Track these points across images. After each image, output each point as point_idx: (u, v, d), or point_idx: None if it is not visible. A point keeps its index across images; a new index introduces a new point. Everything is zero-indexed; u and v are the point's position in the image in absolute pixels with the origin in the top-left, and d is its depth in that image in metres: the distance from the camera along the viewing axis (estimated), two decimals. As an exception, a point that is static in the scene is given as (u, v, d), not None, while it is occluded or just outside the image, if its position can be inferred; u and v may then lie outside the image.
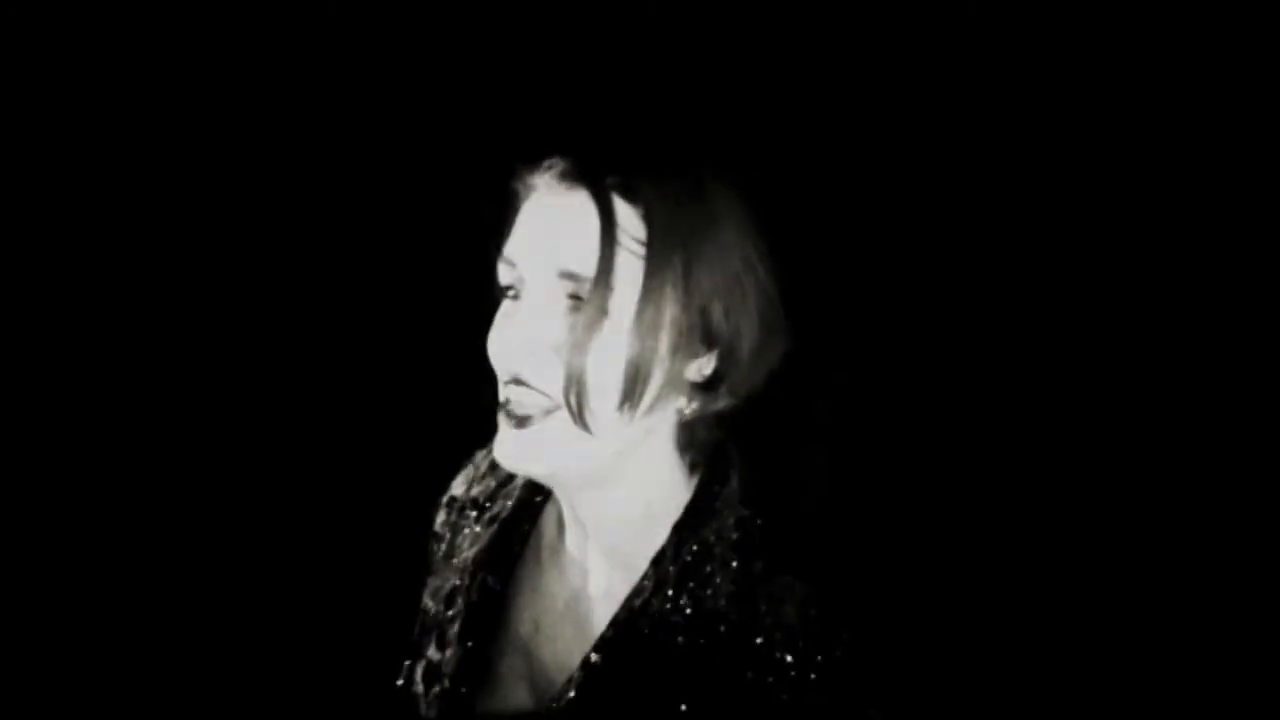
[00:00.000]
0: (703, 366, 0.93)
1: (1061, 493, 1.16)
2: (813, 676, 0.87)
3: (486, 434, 1.18)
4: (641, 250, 0.87)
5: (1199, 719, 1.07)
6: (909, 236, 1.22)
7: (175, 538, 1.63)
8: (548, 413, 0.90)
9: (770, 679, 0.87)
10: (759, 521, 0.97)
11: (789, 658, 0.88)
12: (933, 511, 1.23)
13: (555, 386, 0.88)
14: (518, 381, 0.90)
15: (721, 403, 0.94)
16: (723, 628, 0.90)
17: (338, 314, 1.59)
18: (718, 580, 0.93)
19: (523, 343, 0.89)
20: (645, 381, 0.88)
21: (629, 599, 0.95)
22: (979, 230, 1.19)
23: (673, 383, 0.90)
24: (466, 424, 1.21)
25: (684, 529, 0.96)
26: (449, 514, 1.19)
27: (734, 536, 0.95)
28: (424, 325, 1.54)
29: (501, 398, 0.93)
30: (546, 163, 0.93)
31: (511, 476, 1.14)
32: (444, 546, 1.18)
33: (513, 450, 0.92)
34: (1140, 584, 1.10)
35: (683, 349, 0.89)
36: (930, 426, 1.23)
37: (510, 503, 1.12)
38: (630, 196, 0.88)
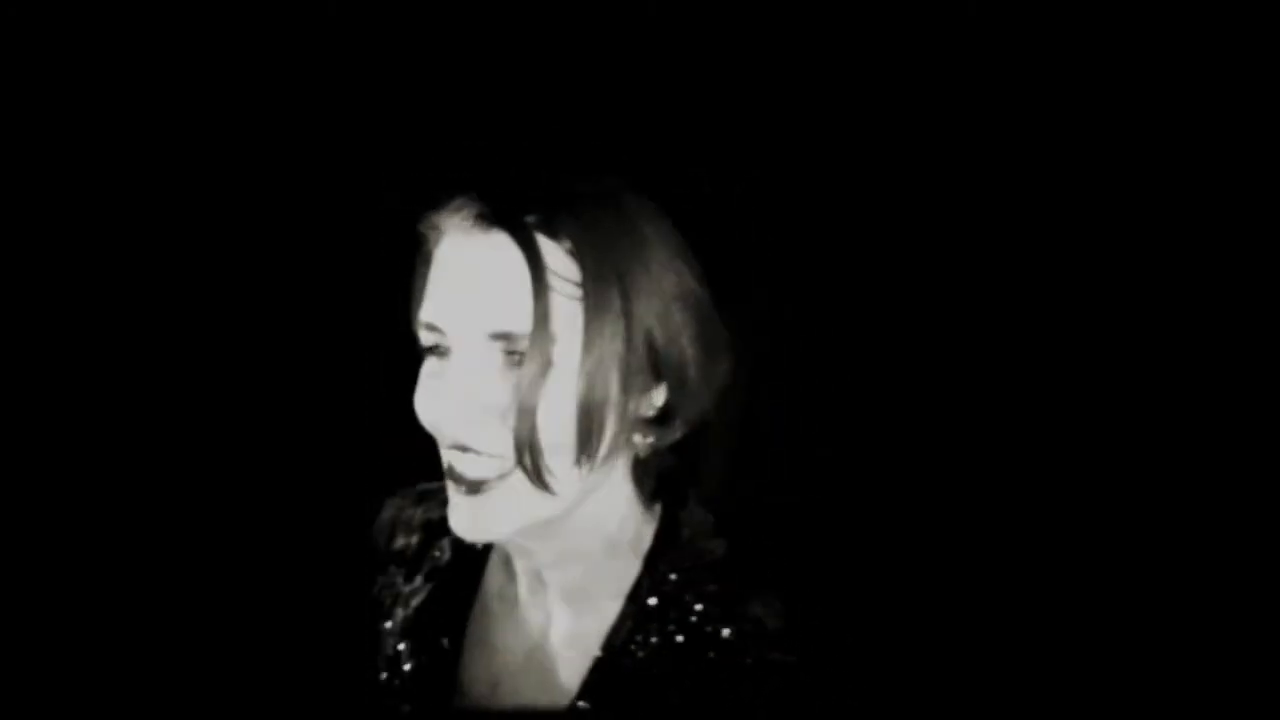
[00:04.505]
0: (654, 400, 0.88)
1: (1028, 490, 1.18)
2: (808, 684, 0.86)
3: (391, 480, 1.13)
4: (576, 291, 0.81)
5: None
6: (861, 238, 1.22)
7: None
8: (502, 476, 0.83)
9: (765, 694, 0.85)
10: (727, 541, 0.94)
11: (781, 672, 0.86)
12: (900, 515, 1.24)
13: (504, 448, 0.81)
14: (463, 448, 0.83)
15: (677, 433, 0.90)
16: (712, 653, 0.87)
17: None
18: (698, 606, 0.89)
19: (461, 408, 0.82)
20: (600, 429, 0.82)
21: (609, 637, 0.90)
22: (939, 231, 1.19)
23: (626, 424, 0.85)
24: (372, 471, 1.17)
25: (657, 559, 0.92)
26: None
27: (707, 560, 0.92)
28: (327, 371, 1.43)
29: (445, 463, 0.86)
30: (454, 203, 0.85)
31: (443, 523, 1.01)
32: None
33: (471, 522, 0.85)
34: (1122, 581, 1.13)
35: (634, 387, 0.84)
36: (893, 428, 1.24)
37: (448, 553, 1.03)
38: (554, 234, 0.81)
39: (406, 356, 0.90)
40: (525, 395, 0.79)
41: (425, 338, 0.85)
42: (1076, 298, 1.12)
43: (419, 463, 1.02)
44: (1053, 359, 1.14)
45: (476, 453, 0.82)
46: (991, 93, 1.13)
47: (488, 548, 1.03)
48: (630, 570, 0.92)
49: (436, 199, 0.87)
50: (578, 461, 0.82)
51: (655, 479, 0.95)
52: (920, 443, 1.22)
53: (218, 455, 1.46)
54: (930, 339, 1.19)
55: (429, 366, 0.86)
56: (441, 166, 0.89)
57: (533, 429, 0.79)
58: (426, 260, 0.86)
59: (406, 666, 1.00)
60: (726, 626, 0.88)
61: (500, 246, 0.80)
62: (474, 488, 0.83)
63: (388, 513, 1.12)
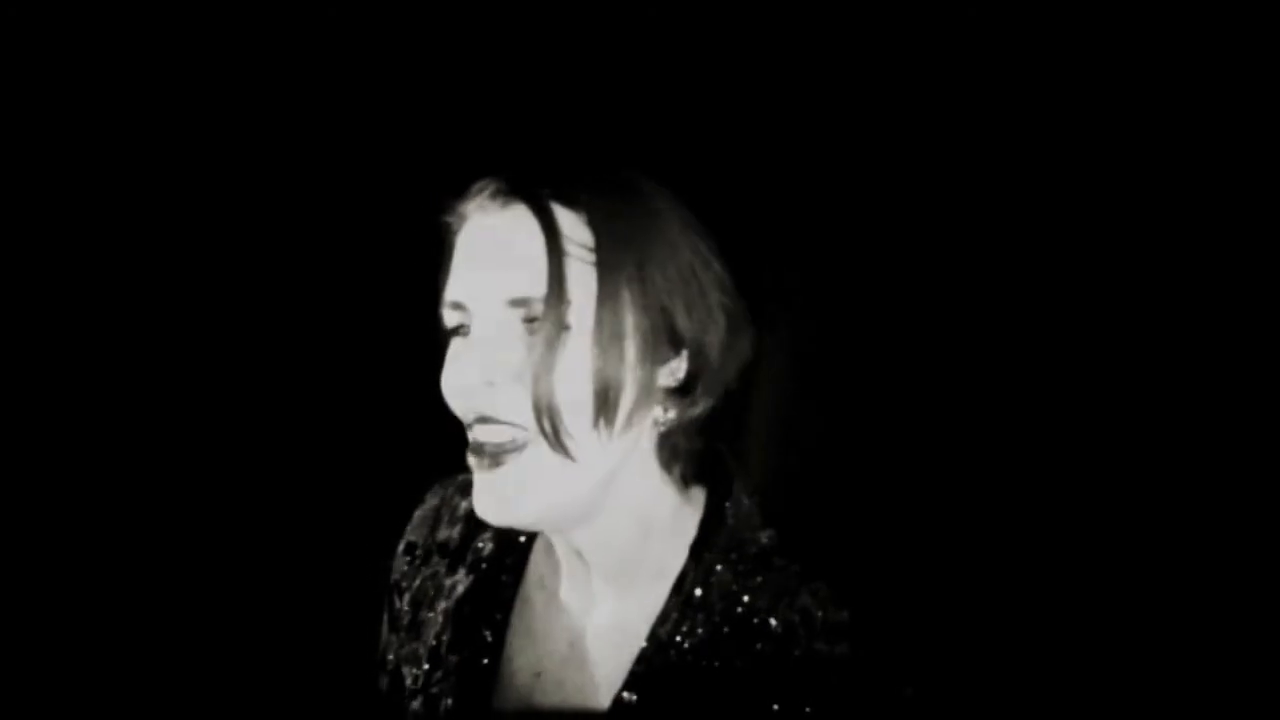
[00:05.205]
0: (675, 371, 0.89)
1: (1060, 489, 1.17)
2: (857, 676, 0.84)
3: (432, 473, 1.13)
4: (590, 256, 0.83)
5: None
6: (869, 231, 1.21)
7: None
8: (521, 448, 0.84)
9: (813, 686, 0.84)
10: (774, 531, 0.93)
11: (830, 663, 0.85)
12: (938, 506, 1.22)
13: (524, 415, 0.82)
14: (484, 419, 0.84)
15: (699, 406, 0.90)
16: (760, 644, 0.87)
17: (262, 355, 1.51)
18: (746, 597, 0.89)
19: (481, 376, 0.83)
20: (617, 393, 0.83)
21: (655, 628, 0.89)
22: (949, 224, 1.18)
23: (646, 392, 0.86)
24: (412, 460, 1.17)
25: (702, 548, 0.91)
26: (411, 562, 1.10)
27: (753, 550, 0.92)
28: (363, 366, 1.46)
29: (471, 441, 0.87)
30: (476, 186, 0.87)
31: None
32: (408, 599, 1.08)
33: (493, 502, 0.85)
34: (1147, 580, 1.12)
35: (650, 354, 0.85)
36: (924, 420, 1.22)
37: (491, 543, 1.03)
38: (570, 203, 0.84)
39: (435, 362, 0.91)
40: (541, 357, 0.80)
41: (449, 318, 0.87)
42: (1069, 295, 1.14)
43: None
44: (1088, 340, 1.14)
45: (498, 422, 0.83)
46: (995, 89, 1.15)
47: (531, 537, 1.03)
48: (671, 555, 0.92)
49: (460, 189, 0.89)
50: (596, 425, 0.83)
51: (684, 461, 0.94)
52: (970, 433, 1.21)
53: (252, 459, 1.49)
54: (971, 331, 1.19)
55: (452, 348, 0.87)
56: (465, 165, 0.90)
57: (550, 390, 0.80)
58: (451, 248, 0.88)
59: (451, 658, 1.00)
60: (774, 617, 0.88)
61: (518, 217, 0.83)
62: (495, 460, 0.84)
63: (432, 502, 1.12)
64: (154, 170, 1.45)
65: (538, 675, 0.96)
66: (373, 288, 1.40)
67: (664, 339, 0.86)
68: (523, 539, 1.03)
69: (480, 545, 1.05)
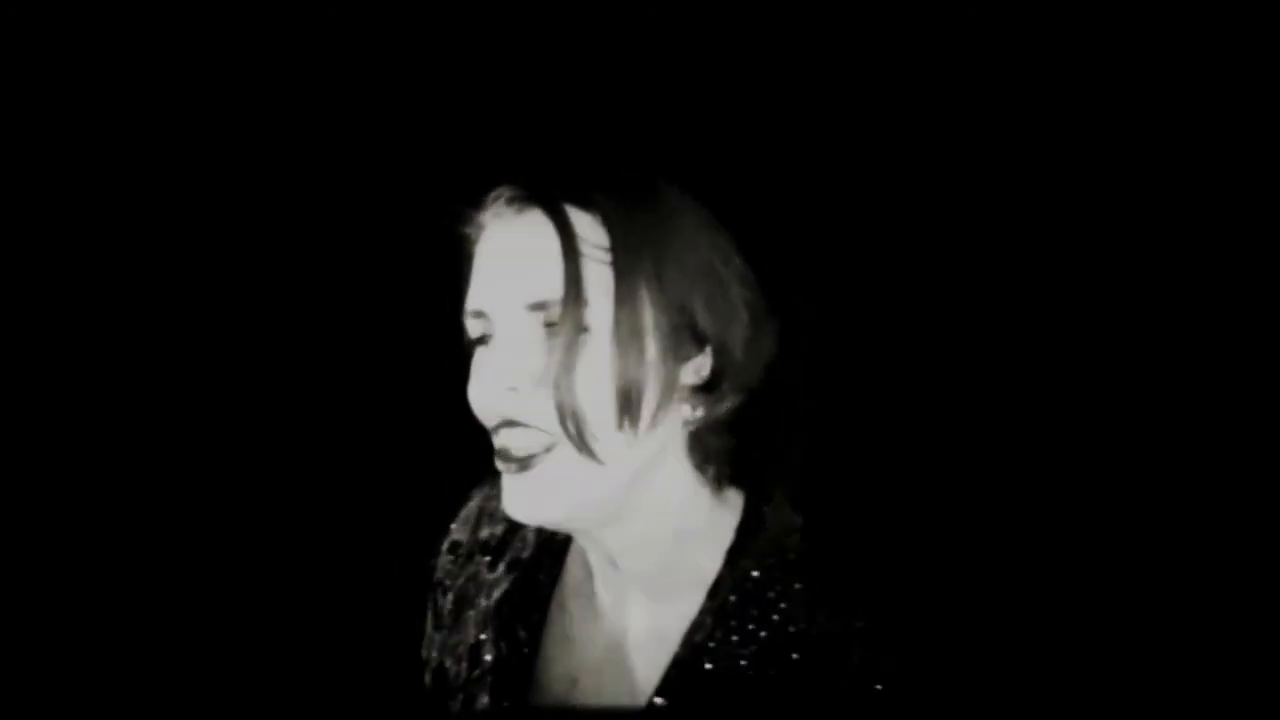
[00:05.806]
0: (699, 368, 0.88)
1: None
2: (893, 686, 0.83)
3: (480, 472, 1.14)
4: (607, 257, 0.83)
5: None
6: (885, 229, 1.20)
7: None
8: (549, 449, 0.84)
9: (848, 696, 0.83)
10: (814, 539, 0.92)
11: (866, 673, 0.84)
12: (984, 518, 1.21)
13: (548, 418, 0.82)
14: (509, 424, 0.84)
15: (726, 403, 0.89)
16: (796, 654, 0.85)
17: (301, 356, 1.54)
18: (783, 605, 0.88)
19: (503, 382, 0.84)
20: (639, 392, 0.82)
21: (689, 634, 0.89)
22: (961, 224, 1.17)
23: (669, 390, 0.85)
24: (456, 462, 1.18)
25: (738, 554, 0.90)
26: (455, 560, 1.11)
27: (792, 557, 0.90)
28: (401, 365, 1.48)
29: (497, 445, 0.87)
30: (491, 195, 0.88)
31: None
32: (451, 596, 1.09)
33: (522, 501, 0.86)
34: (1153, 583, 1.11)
35: (673, 352, 0.84)
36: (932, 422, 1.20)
37: (530, 544, 1.04)
38: (585, 205, 0.84)
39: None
40: (562, 359, 0.80)
41: (472, 327, 0.87)
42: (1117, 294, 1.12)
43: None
44: (1115, 351, 1.14)
45: (524, 426, 0.83)
46: (1007, 91, 1.14)
47: (568, 541, 1.02)
48: (708, 562, 0.91)
49: (476, 198, 0.89)
50: (620, 425, 0.82)
51: (718, 461, 0.92)
52: (1013, 445, 1.20)
53: (298, 466, 1.52)
54: (986, 336, 1.19)
55: (477, 357, 0.88)
56: (480, 173, 0.90)
57: (572, 393, 0.80)
58: (470, 259, 0.89)
59: (487, 656, 1.00)
60: (811, 626, 0.86)
61: (535, 223, 0.83)
62: (524, 464, 0.84)
63: (475, 501, 1.13)
64: (163, 182, 1.47)
65: (574, 683, 0.96)
66: (411, 298, 1.42)
67: (686, 336, 0.85)
68: (561, 537, 1.03)
69: (519, 545, 1.05)
